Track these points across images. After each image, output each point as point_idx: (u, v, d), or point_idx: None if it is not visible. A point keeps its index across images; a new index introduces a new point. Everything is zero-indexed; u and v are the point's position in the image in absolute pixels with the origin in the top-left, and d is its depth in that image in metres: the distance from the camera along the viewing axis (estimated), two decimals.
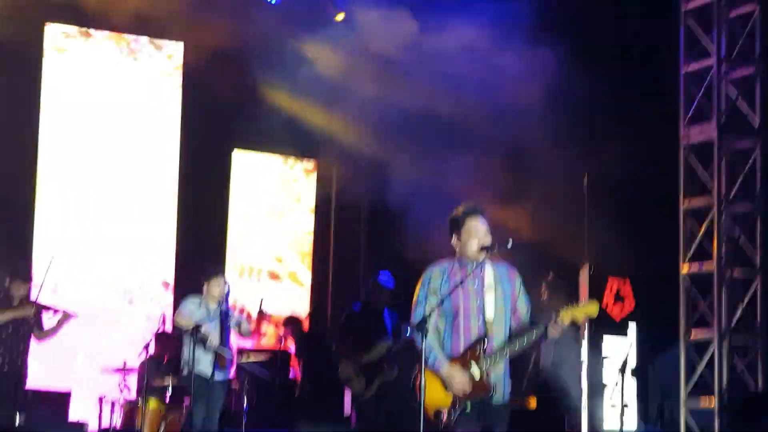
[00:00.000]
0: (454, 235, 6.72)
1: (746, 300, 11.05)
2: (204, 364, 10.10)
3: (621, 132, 11.62)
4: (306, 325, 13.90)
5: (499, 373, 6.59)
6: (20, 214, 13.20)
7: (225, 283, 10.31)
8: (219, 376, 10.22)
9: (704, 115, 11.34)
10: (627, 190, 11.54)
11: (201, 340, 9.95)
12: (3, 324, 10.16)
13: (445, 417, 6.44)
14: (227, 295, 10.32)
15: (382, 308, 11.27)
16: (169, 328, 11.84)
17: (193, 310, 10.23)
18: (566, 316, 6.50)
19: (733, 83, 11.30)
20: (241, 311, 13.16)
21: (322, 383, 13.00)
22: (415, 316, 6.60)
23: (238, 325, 10.43)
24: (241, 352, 11.81)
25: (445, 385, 6.48)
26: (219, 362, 10.12)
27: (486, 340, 6.54)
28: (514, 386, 6.78)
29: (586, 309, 6.64)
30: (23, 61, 13.27)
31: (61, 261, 12.99)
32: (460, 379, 6.46)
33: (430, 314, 6.47)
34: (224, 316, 10.25)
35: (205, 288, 10.30)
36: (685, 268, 11.22)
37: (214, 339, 10.10)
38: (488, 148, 11.73)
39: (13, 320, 10.20)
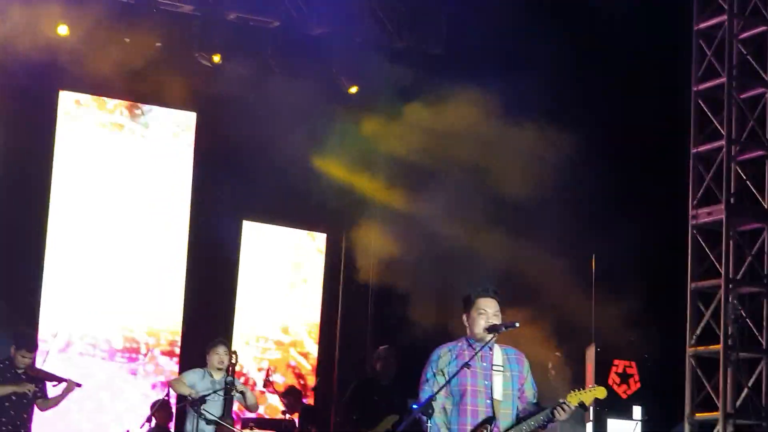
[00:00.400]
0: (464, 314, 6.75)
1: (751, 382, 11.04)
2: None
3: (629, 214, 11.68)
4: (311, 397, 13.85)
5: None
6: (27, 283, 13.21)
7: (227, 352, 10.28)
8: None
9: (713, 197, 11.39)
10: (634, 272, 11.56)
11: (202, 413, 9.92)
12: (5, 395, 10.14)
13: None
14: (234, 365, 10.30)
15: (388, 382, 11.27)
16: (173, 396, 11.78)
17: (196, 380, 10.21)
18: (574, 399, 6.50)
19: (742, 165, 11.36)
20: (246, 383, 13.10)
21: None
22: (422, 396, 6.60)
23: (243, 395, 10.39)
24: (245, 423, 11.75)
25: None
26: None
27: (494, 421, 6.54)
28: None
29: (594, 393, 6.64)
30: (37, 126, 13.37)
31: (66, 328, 13.08)
32: None
33: (436, 394, 6.47)
34: (229, 387, 10.22)
35: (207, 358, 10.29)
36: (692, 350, 11.21)
37: (216, 410, 10.07)
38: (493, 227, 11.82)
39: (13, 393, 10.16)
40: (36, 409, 10.43)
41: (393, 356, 11.40)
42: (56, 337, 10.51)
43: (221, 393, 10.15)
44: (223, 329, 13.66)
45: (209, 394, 10.03)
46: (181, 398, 10.43)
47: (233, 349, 10.47)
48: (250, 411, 10.63)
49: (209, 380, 10.21)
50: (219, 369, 10.20)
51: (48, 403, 10.50)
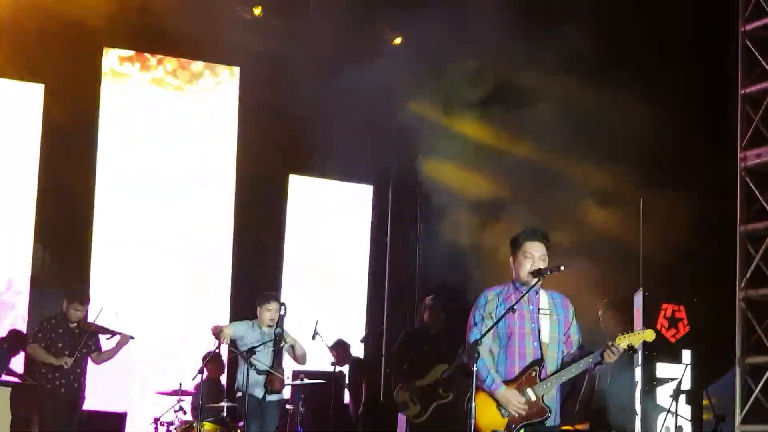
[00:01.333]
0: (511, 257, 6.75)
1: None
2: (257, 386, 10.15)
3: (678, 157, 11.57)
4: (359, 349, 13.92)
5: (552, 396, 6.60)
6: (79, 239, 13.35)
7: (279, 308, 10.33)
8: (272, 398, 10.27)
9: (762, 139, 11.24)
10: (682, 215, 11.46)
11: (253, 363, 10.00)
12: (63, 345, 10.25)
13: None
14: (283, 317, 10.35)
15: (436, 332, 11.30)
16: (224, 350, 11.87)
17: (244, 331, 10.29)
18: (623, 341, 6.49)
19: None
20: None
21: (377, 407, 13.01)
22: (470, 339, 6.61)
23: (292, 348, 10.45)
24: (296, 374, 11.84)
25: (501, 407, 6.49)
26: (270, 385, 10.16)
27: (541, 363, 6.55)
28: (567, 410, 6.77)
29: (642, 335, 6.64)
30: (82, 84, 13.45)
31: (119, 286, 13.23)
32: (516, 403, 6.47)
33: (483, 337, 6.48)
34: (278, 339, 10.29)
35: (258, 312, 10.35)
36: (742, 293, 11.12)
37: (266, 361, 10.15)
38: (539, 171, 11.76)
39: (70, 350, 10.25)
40: (90, 363, 10.57)
41: (440, 305, 11.41)
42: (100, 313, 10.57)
43: (270, 345, 10.23)
44: (271, 284, 13.75)
45: (258, 345, 10.11)
46: (231, 350, 10.52)
47: (282, 301, 10.53)
48: (299, 363, 10.68)
49: (258, 331, 10.28)
50: (269, 326, 10.26)
51: (102, 357, 10.62)
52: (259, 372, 10.10)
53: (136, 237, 13.68)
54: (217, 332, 10.27)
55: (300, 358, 10.59)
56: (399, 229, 14.80)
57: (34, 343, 10.31)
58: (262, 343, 10.16)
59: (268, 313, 10.29)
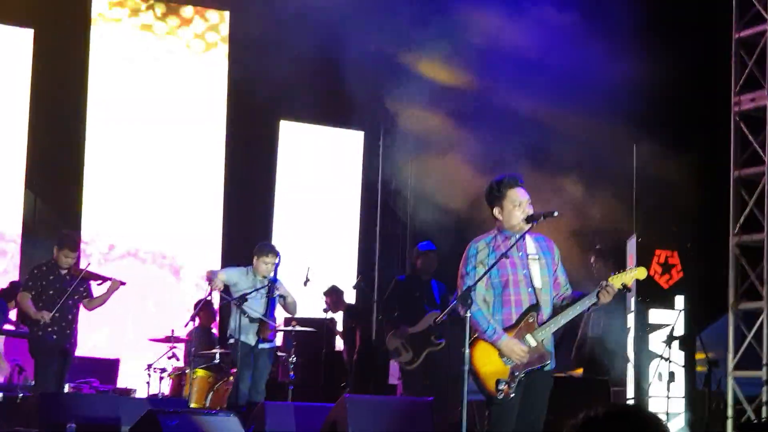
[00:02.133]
0: (495, 207, 6.69)
1: None
2: (249, 333, 10.15)
3: (671, 103, 11.50)
4: (352, 296, 13.92)
5: (549, 341, 6.60)
6: (69, 184, 13.29)
7: (276, 260, 10.31)
8: (264, 345, 10.27)
9: (756, 83, 11.17)
10: (676, 161, 11.42)
11: (245, 310, 10.00)
12: (54, 292, 10.22)
13: (505, 388, 6.43)
14: (277, 266, 10.34)
15: (428, 278, 11.29)
16: (215, 298, 11.86)
17: (238, 277, 10.27)
18: (616, 280, 6.49)
19: None
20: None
21: (370, 354, 13.04)
22: (462, 288, 6.59)
23: (284, 298, 10.44)
24: (287, 321, 11.84)
25: (502, 355, 6.47)
26: (262, 332, 10.16)
27: (538, 308, 6.54)
28: (562, 355, 6.78)
29: (634, 274, 6.64)
30: (72, 29, 13.34)
31: (109, 230, 13.19)
32: (519, 351, 6.45)
33: (476, 284, 6.46)
34: (271, 287, 10.28)
35: (255, 262, 10.32)
36: (735, 238, 11.10)
37: (258, 308, 10.14)
38: (536, 119, 11.66)
39: (61, 297, 10.20)
40: (82, 309, 10.54)
41: (433, 253, 11.39)
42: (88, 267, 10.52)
43: (263, 292, 10.22)
44: (262, 230, 13.73)
45: (251, 292, 10.10)
46: (223, 297, 10.51)
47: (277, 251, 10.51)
48: (290, 313, 10.70)
49: (252, 279, 10.27)
50: (264, 276, 10.25)
51: (93, 303, 10.56)
52: (251, 320, 10.11)
53: (127, 183, 13.61)
54: (211, 278, 10.25)
55: (291, 310, 10.58)
56: (390, 175, 14.72)
57: (25, 291, 10.26)
58: (255, 290, 10.15)
59: (264, 265, 10.27)
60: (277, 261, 10.31)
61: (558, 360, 6.81)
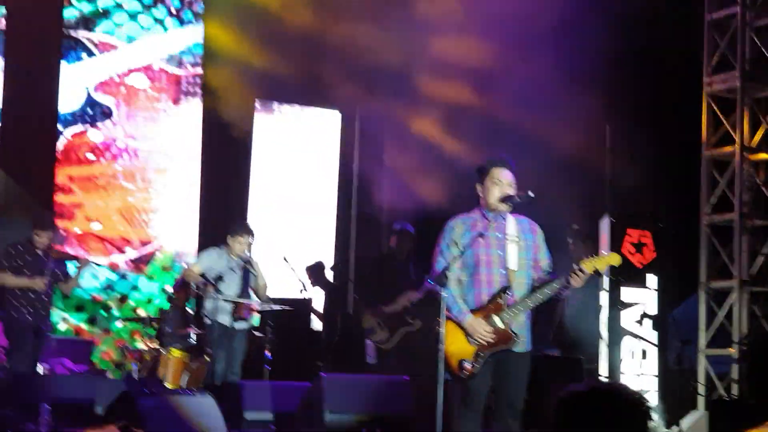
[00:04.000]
0: (478, 184, 6.75)
1: (766, 249, 11.05)
2: (225, 313, 10.18)
3: (643, 83, 11.55)
4: (330, 277, 13.93)
5: (521, 323, 6.64)
6: (43, 165, 13.21)
7: (250, 240, 10.33)
8: (240, 326, 10.30)
9: (728, 65, 11.25)
10: (647, 142, 11.49)
11: (220, 290, 10.03)
12: (32, 273, 10.21)
13: (469, 367, 6.49)
14: (250, 245, 10.36)
15: (405, 258, 11.33)
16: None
17: (212, 261, 10.30)
18: (589, 265, 6.53)
19: (757, 31, 11.20)
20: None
21: (345, 333, 13.05)
22: (437, 267, 6.64)
23: (255, 278, 10.43)
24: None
25: (468, 335, 6.53)
26: (237, 313, 10.20)
27: (509, 290, 6.59)
28: (540, 336, 6.82)
29: (608, 259, 6.70)
30: (45, 3, 13.23)
31: (84, 211, 13.15)
32: (482, 331, 6.50)
33: (450, 264, 6.50)
34: (246, 267, 10.30)
35: (230, 241, 10.34)
36: (706, 218, 11.20)
37: (234, 287, 10.17)
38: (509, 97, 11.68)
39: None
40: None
41: (408, 232, 11.42)
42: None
43: (237, 271, 10.25)
44: (238, 209, 13.70)
45: (227, 273, 10.13)
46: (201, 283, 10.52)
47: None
48: (258, 298, 10.55)
49: (226, 258, 10.29)
50: (238, 256, 10.27)
51: (69, 285, 10.58)
52: (226, 300, 10.14)
53: (101, 161, 13.54)
54: (188, 278, 10.32)
55: (260, 292, 10.58)
56: (366, 155, 14.72)
57: (0, 271, 10.26)
58: (230, 268, 10.19)
59: (239, 245, 10.29)
60: (251, 240, 10.34)
61: (539, 340, 6.85)
